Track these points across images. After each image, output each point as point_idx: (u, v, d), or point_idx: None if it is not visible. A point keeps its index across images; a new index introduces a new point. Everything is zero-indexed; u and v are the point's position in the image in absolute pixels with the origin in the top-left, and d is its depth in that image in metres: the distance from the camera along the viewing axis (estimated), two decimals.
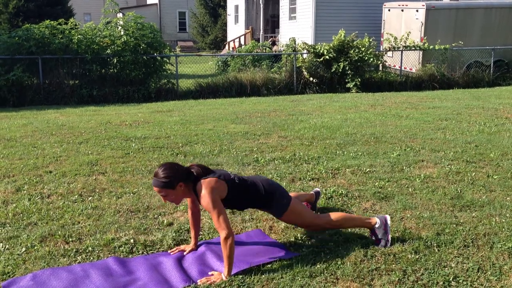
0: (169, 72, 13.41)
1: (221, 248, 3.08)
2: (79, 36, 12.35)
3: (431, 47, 14.22)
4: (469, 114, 8.94)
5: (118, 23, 13.32)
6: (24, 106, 11.35)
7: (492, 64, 14.72)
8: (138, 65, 12.53)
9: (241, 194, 3.33)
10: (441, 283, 2.96)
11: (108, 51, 12.34)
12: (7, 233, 3.76)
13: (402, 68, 14.51)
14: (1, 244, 3.57)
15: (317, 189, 4.23)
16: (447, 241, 3.49)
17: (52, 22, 12.60)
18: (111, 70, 12.67)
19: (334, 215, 3.54)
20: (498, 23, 15.21)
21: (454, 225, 3.78)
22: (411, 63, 14.68)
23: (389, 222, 3.49)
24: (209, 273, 3.15)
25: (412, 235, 3.59)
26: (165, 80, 13.21)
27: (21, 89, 11.71)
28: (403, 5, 15.63)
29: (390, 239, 3.43)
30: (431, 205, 4.24)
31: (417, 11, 14.87)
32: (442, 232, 3.65)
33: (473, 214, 4.03)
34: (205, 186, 3.14)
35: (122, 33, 12.81)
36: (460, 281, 2.99)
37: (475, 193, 4.55)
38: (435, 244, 3.43)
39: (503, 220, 3.87)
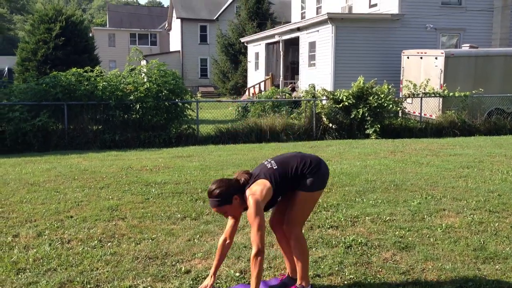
0: (189, 117, 13.63)
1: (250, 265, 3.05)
2: (104, 83, 12.72)
3: (451, 94, 14.23)
4: (491, 162, 8.82)
5: (141, 70, 13.73)
6: (49, 150, 11.60)
7: None
8: (160, 111, 12.80)
9: (283, 185, 3.28)
10: None
11: (131, 97, 12.65)
12: (26, 278, 3.79)
13: (422, 114, 14.50)
14: None
15: None
16: None
17: (79, 69, 13.05)
18: (133, 116, 12.94)
19: (304, 243, 3.43)
20: None
21: (477, 278, 3.68)
22: (431, 109, 14.67)
23: None
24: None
25: None
26: (186, 126, 13.41)
27: (46, 134, 12.02)
28: (422, 53, 15.79)
29: None
30: (454, 257, 4.15)
31: (436, 58, 14.99)
32: (465, 285, 3.55)
33: (497, 266, 3.93)
34: (252, 194, 3.16)
35: (145, 80, 13.18)
36: None
37: (498, 244, 4.45)
38: None
39: None
